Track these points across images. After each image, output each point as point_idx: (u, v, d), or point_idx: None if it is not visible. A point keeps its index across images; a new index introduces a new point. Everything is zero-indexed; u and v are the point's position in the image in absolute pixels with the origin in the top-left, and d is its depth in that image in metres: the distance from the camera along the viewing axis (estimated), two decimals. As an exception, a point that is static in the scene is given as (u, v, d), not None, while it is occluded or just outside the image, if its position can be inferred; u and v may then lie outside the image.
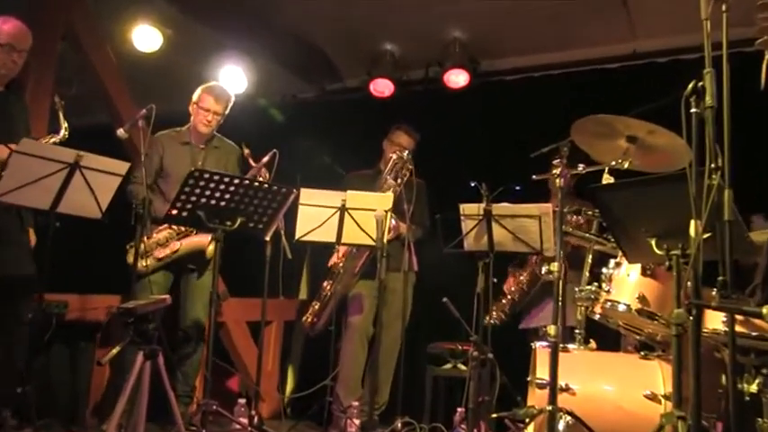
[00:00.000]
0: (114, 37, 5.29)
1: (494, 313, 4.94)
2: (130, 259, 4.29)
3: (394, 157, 4.92)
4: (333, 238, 4.36)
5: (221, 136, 4.79)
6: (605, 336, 4.08)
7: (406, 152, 4.89)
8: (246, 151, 4.49)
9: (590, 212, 4.14)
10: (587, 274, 4.04)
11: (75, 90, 5.11)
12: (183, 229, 4.45)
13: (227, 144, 4.80)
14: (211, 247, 4.44)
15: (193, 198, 3.86)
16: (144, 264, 4.35)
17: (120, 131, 4.21)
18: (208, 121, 4.60)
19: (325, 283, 5.06)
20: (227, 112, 4.68)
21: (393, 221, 4.70)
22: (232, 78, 5.88)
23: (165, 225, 4.41)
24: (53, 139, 3.85)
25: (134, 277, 4.19)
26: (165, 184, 4.56)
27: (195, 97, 4.64)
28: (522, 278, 5.01)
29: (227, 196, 3.90)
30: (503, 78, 6.26)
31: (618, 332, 3.96)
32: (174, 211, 3.89)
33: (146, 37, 5.30)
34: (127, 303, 3.46)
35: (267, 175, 4.41)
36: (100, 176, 3.66)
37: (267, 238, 4.25)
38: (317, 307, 5.07)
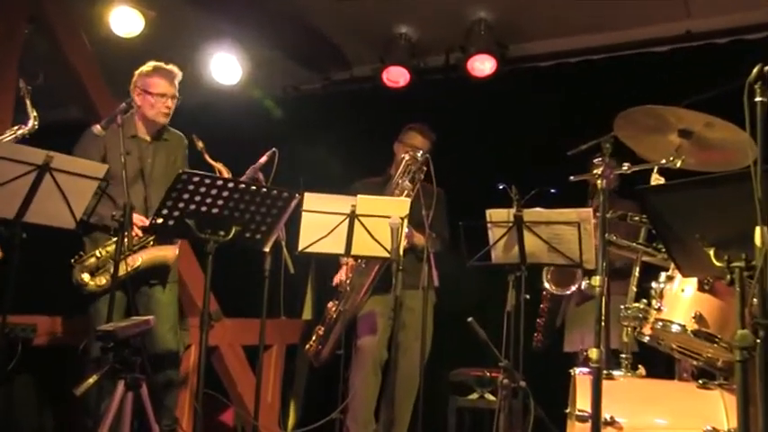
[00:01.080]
0: (89, 20, 5.28)
1: (536, 336, 4.96)
2: (79, 277, 4.24)
3: (406, 157, 4.93)
4: (341, 250, 4.35)
5: (169, 127, 4.66)
6: (656, 361, 4.06)
7: (420, 152, 4.91)
8: (200, 144, 4.35)
9: (637, 218, 4.09)
10: (634, 289, 3.99)
11: (42, 80, 5.09)
12: (137, 239, 4.35)
13: (175, 135, 4.68)
14: (172, 253, 4.40)
15: (181, 204, 3.84)
16: (96, 282, 4.26)
17: (97, 128, 4.18)
18: (168, 108, 4.52)
19: (330, 305, 5.06)
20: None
21: (406, 230, 4.68)
22: (224, 67, 5.89)
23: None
24: (21, 131, 3.82)
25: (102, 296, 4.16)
26: (111, 187, 4.28)
27: (142, 83, 4.48)
28: (548, 297, 5.01)
29: (220, 202, 3.88)
30: (535, 65, 6.25)
31: (671, 357, 3.91)
32: (161, 220, 3.86)
33: (125, 20, 5.30)
34: (105, 326, 3.45)
35: (263, 179, 4.38)
36: (73, 180, 3.64)
37: (266, 250, 4.23)
38: (321, 332, 5.07)
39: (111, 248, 4.26)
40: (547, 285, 4.99)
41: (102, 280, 4.28)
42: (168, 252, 4.41)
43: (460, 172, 5.29)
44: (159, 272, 4.45)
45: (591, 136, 3.66)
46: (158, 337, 4.45)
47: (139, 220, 4.24)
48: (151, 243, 4.38)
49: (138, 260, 4.31)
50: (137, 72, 4.52)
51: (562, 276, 4.96)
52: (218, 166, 4.29)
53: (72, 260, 4.27)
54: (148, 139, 4.56)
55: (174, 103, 4.53)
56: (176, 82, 4.54)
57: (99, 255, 4.26)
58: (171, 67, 4.57)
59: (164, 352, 4.48)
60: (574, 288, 4.96)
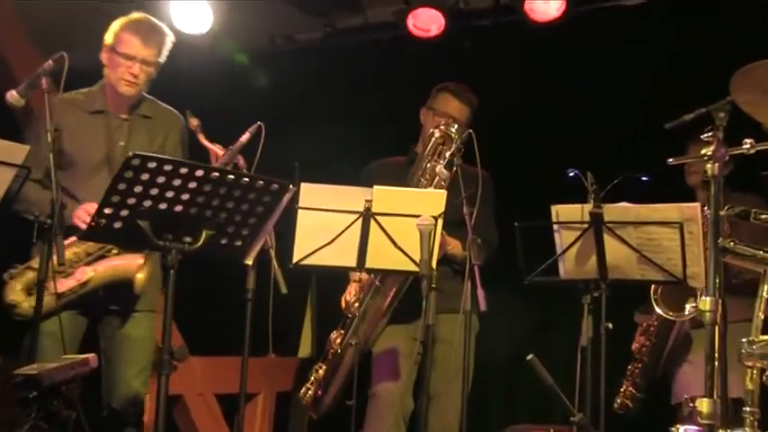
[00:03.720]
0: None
1: (624, 391, 4.93)
2: (12, 297, 4.28)
3: (436, 133, 4.91)
4: (351, 262, 4.36)
5: (154, 99, 4.79)
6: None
7: (455, 126, 4.87)
8: (195, 122, 4.45)
9: (765, 216, 4.05)
10: (761, 316, 3.95)
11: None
12: (96, 246, 4.41)
13: (163, 111, 4.81)
14: (142, 275, 4.42)
15: (132, 200, 3.82)
16: (31, 303, 4.25)
17: (13, 95, 4.22)
18: (133, 75, 4.56)
19: (333, 335, 5.05)
20: (162, 59, 4.67)
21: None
22: (189, 13, 5.89)
23: (73, 239, 4.38)
24: None
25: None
26: (70, 178, 4.51)
27: (110, 38, 4.61)
28: (652, 327, 4.96)
29: (186, 197, 3.86)
30: (619, 3, 6.19)
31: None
32: (102, 221, 3.85)
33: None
34: (26, 368, 3.43)
35: (244, 164, 4.40)
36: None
37: (249, 263, 4.22)
38: (321, 372, 5.06)
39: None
40: (658, 309, 4.91)
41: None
42: (131, 264, 4.43)
43: (511, 153, 5.27)
44: (123, 294, 4.49)
45: (696, 102, 3.63)
46: (121, 385, 4.53)
47: (86, 213, 4.25)
48: (114, 252, 4.43)
49: (87, 274, 4.35)
50: (114, 22, 4.63)
51: (675, 296, 4.90)
52: (216, 149, 4.37)
53: (5, 274, 4.35)
54: (121, 115, 4.65)
55: (148, 72, 4.60)
56: (157, 43, 4.61)
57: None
58: (154, 23, 4.66)
59: (126, 404, 4.55)
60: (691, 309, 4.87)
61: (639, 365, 5.02)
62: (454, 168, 4.77)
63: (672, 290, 4.87)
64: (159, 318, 4.48)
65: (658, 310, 4.91)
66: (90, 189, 4.37)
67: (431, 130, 4.98)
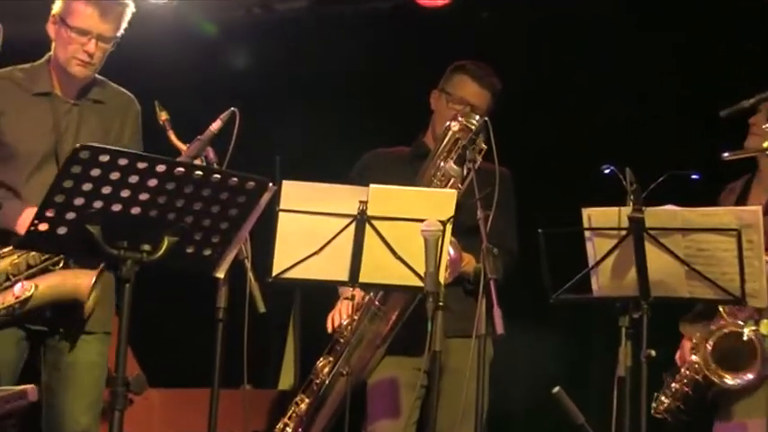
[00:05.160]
0: None
1: (664, 400, 4.92)
2: None
3: (454, 126, 4.90)
4: (343, 276, 4.36)
5: (105, 80, 4.79)
6: None
7: (476, 117, 4.87)
8: (164, 116, 4.44)
9: None
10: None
11: None
12: (39, 257, 4.41)
13: (116, 95, 4.81)
14: (86, 282, 4.41)
15: (79, 201, 3.80)
16: None
17: None
18: (88, 54, 4.55)
19: (320, 363, 5.09)
20: (119, 33, 4.66)
21: (451, 250, 4.68)
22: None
23: (9, 248, 4.41)
24: None
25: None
26: (11, 173, 4.52)
27: (59, 7, 4.60)
28: (708, 344, 4.95)
29: (146, 197, 3.84)
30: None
31: None
32: (43, 226, 3.84)
33: None
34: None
35: (215, 157, 4.39)
36: None
37: (220, 276, 4.21)
38: (303, 406, 5.08)
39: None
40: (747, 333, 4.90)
41: None
42: (80, 282, 4.42)
43: (532, 144, 5.25)
44: (72, 314, 4.49)
45: (760, 85, 3.64)
46: (67, 421, 4.54)
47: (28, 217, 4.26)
48: (60, 265, 4.42)
49: (29, 289, 4.34)
50: None
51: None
52: (202, 139, 4.35)
53: None
54: (70, 100, 4.66)
55: (103, 50, 4.58)
56: (116, 17, 4.59)
57: None
58: None
59: None
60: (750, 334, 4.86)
61: (684, 379, 5.00)
62: (470, 166, 4.77)
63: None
64: (114, 341, 4.49)
65: (747, 331, 4.86)
66: (35, 187, 4.36)
67: (447, 123, 4.97)
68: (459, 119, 4.89)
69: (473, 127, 4.80)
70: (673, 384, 5.01)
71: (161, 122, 4.44)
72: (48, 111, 4.60)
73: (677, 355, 5.07)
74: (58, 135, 4.56)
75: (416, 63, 5.55)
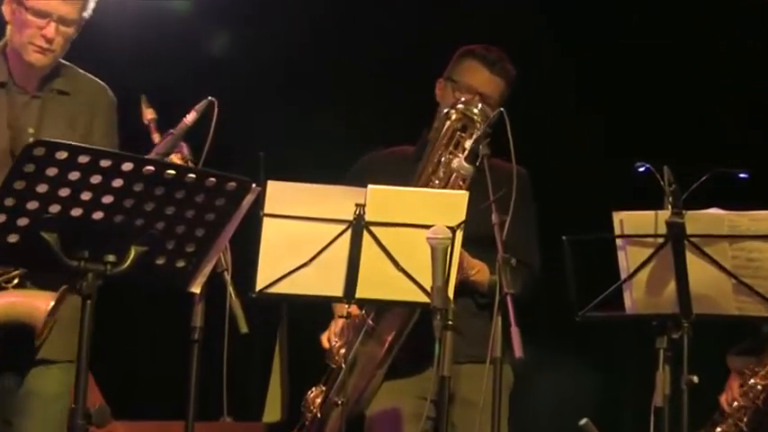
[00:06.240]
0: None
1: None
2: None
3: (453, 114, 4.91)
4: (337, 291, 4.37)
5: (73, 67, 4.81)
6: None
7: (479, 105, 4.88)
8: (150, 115, 4.47)
9: None
10: None
11: None
12: None
13: (86, 85, 4.83)
14: (44, 306, 4.38)
15: (33, 204, 3.80)
16: None
17: None
18: (46, 39, 4.56)
19: (312, 393, 5.12)
20: (85, 15, 4.65)
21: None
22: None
23: None
24: None
25: None
26: None
27: None
28: (757, 377, 4.94)
29: (110, 199, 3.83)
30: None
31: None
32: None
33: None
34: None
35: (189, 154, 4.39)
36: None
37: (195, 291, 4.19)
38: (296, 442, 5.09)
39: None
40: None
41: None
42: (38, 302, 4.41)
43: (555, 139, 5.25)
44: (25, 341, 4.48)
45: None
46: None
47: None
48: (14, 282, 4.43)
49: None
50: None
51: None
52: (175, 132, 4.36)
53: None
54: (31, 91, 4.68)
55: (68, 34, 4.59)
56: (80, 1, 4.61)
57: None
58: None
59: None
60: None
61: (730, 421, 5.02)
62: (479, 162, 4.75)
63: None
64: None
65: None
66: None
67: (444, 110, 4.97)
68: (459, 106, 4.89)
69: (474, 117, 4.81)
70: (718, 430, 5.04)
71: (145, 122, 4.46)
72: (2, 104, 4.60)
73: (722, 398, 5.09)
74: (15, 131, 4.54)
75: (420, 48, 5.54)
